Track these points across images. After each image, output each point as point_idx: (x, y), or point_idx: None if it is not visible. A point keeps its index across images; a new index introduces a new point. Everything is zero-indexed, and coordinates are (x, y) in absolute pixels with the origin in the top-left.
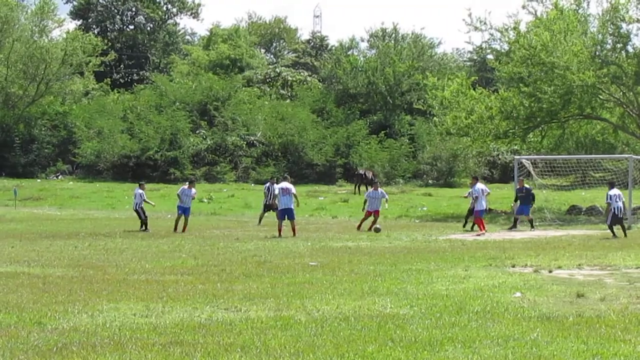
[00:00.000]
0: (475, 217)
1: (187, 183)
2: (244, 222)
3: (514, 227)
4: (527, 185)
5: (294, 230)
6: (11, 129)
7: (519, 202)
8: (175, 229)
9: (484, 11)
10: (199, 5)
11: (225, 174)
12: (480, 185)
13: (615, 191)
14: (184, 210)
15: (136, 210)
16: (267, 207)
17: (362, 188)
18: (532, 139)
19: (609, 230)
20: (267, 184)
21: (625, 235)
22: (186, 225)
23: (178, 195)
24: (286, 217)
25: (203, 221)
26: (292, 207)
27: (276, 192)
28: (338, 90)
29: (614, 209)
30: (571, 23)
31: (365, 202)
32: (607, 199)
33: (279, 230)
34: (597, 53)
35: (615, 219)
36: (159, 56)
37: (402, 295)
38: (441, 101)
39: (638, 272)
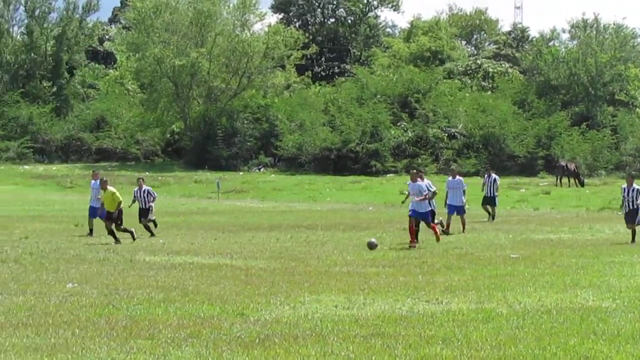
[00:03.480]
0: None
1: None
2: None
3: None
4: None
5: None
6: (214, 122)
7: None
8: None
9: None
10: None
11: (426, 166)
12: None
13: None
14: (456, 209)
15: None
16: (486, 200)
17: (564, 180)
18: None
19: None
20: (485, 176)
21: None
22: (464, 224)
23: (447, 191)
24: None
25: (404, 213)
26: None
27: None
28: (539, 82)
29: None
30: None
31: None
32: None
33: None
34: None
35: None
36: (359, 49)
37: (604, 288)
38: None
39: None
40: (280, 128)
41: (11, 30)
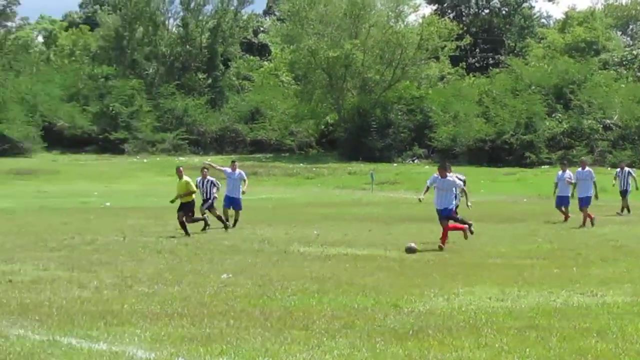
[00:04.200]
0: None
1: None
2: (599, 206)
3: None
4: None
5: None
6: (368, 113)
7: None
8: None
9: None
10: None
11: (581, 157)
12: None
13: None
14: (581, 201)
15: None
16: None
17: None
18: None
19: None
20: (618, 169)
21: None
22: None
23: (575, 183)
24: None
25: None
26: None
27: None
28: None
29: None
30: None
31: None
32: None
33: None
34: None
35: None
36: (514, 40)
37: None
38: None
39: None
40: (434, 119)
41: (167, 22)
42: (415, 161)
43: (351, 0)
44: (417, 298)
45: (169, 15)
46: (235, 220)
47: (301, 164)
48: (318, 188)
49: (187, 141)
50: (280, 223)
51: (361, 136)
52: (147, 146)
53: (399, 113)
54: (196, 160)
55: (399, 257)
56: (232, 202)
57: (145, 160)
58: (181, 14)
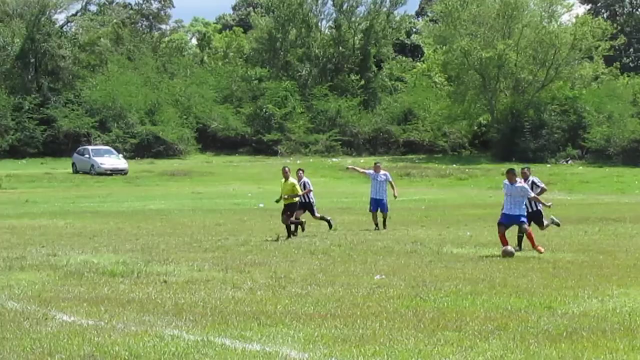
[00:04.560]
0: None
1: None
2: None
3: None
4: None
5: None
6: (521, 114)
7: None
8: None
9: None
10: None
11: None
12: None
13: None
14: None
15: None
16: None
17: None
18: None
19: None
20: None
21: None
22: None
23: None
24: None
25: None
26: None
27: None
28: None
29: None
30: None
31: None
32: None
33: None
34: None
35: None
36: None
37: None
38: None
39: None
40: (588, 120)
41: (319, 24)
42: (569, 162)
43: (504, 1)
44: (571, 299)
45: (322, 17)
46: (384, 221)
47: (454, 165)
48: (471, 189)
49: (340, 142)
50: (433, 224)
51: (514, 137)
52: (300, 147)
53: (553, 113)
54: (349, 161)
55: (553, 259)
56: (378, 204)
57: (298, 162)
58: (334, 15)
